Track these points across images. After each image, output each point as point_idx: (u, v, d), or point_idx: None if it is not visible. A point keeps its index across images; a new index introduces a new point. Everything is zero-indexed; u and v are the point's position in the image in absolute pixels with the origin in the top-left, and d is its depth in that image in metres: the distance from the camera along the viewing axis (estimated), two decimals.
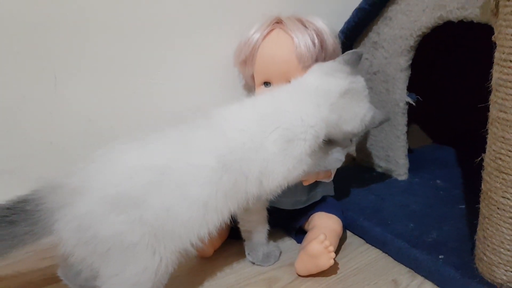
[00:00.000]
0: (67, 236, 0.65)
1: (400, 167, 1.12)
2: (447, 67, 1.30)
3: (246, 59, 0.93)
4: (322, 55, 0.90)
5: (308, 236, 0.87)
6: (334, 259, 0.80)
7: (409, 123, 1.11)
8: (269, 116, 0.78)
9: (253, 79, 0.96)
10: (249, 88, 1.05)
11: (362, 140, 1.21)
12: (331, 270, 0.83)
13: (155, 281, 0.69)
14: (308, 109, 0.79)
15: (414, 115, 1.13)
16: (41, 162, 0.87)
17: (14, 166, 0.85)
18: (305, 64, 0.88)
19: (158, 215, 0.67)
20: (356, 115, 0.81)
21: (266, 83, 0.92)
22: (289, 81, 0.90)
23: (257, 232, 0.89)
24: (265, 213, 0.89)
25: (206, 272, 0.87)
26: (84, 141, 0.88)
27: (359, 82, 0.84)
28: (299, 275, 0.84)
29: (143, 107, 0.95)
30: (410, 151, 1.16)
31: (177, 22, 0.94)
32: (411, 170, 1.14)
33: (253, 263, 0.88)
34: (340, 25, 1.07)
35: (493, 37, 0.65)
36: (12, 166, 0.85)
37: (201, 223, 0.71)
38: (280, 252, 0.91)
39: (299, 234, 0.94)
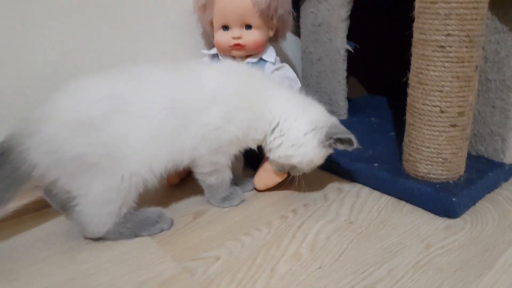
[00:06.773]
0: (39, 159, 0.72)
1: (341, 108, 1.25)
2: (380, 30, 1.42)
3: (206, 4, 1.01)
4: (275, 2, 0.99)
5: (265, 158, 0.98)
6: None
7: (348, 77, 1.22)
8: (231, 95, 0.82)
9: (211, 25, 1.04)
10: (207, 35, 1.13)
11: (308, 87, 1.32)
12: (284, 184, 0.94)
13: (122, 198, 0.75)
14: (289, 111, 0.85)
15: (352, 69, 1.24)
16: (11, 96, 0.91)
17: None
18: (260, 7, 0.97)
19: (116, 139, 0.73)
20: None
21: (225, 27, 1.01)
22: (246, 25, 0.99)
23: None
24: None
25: (174, 196, 0.94)
26: (50, 77, 0.93)
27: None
28: (258, 190, 0.95)
29: (106, 50, 1.00)
30: (349, 99, 1.28)
31: None
32: (350, 112, 1.27)
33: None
34: None
35: None
36: None
37: (152, 154, 0.76)
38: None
39: None
